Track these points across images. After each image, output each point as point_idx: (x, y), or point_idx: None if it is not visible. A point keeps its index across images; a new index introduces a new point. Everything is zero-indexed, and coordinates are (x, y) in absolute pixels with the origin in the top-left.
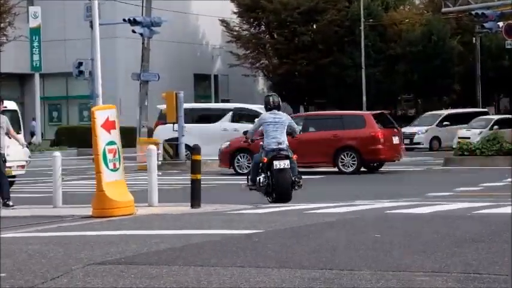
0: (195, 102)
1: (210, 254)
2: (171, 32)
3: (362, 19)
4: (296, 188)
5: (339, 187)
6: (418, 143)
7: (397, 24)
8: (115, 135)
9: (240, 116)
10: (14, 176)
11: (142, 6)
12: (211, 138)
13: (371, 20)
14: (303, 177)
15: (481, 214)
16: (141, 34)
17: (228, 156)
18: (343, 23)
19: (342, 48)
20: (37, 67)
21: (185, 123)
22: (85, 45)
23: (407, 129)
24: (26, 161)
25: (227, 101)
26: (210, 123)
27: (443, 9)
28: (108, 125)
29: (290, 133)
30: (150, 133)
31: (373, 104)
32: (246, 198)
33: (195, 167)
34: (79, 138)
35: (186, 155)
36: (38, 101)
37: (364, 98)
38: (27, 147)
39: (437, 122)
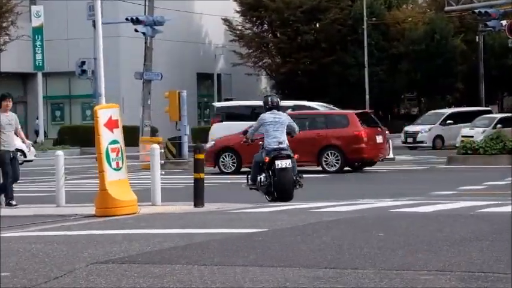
0: (198, 101)
1: (214, 253)
2: (173, 31)
3: (365, 18)
4: (297, 187)
5: (341, 186)
6: (421, 142)
7: (400, 23)
8: (118, 134)
9: None
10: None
11: (145, 6)
12: None
13: (374, 19)
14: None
15: (485, 213)
16: (144, 33)
17: (213, 156)
18: (346, 22)
19: (345, 47)
20: (40, 66)
21: (238, 120)
22: (88, 44)
23: (410, 128)
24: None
25: (230, 100)
26: None
27: (446, 8)
28: (111, 124)
29: (289, 133)
30: (153, 132)
31: (376, 103)
32: (249, 197)
33: (198, 166)
34: (82, 137)
35: None
36: (40, 100)
37: (367, 97)
38: (32, 146)
39: (441, 120)
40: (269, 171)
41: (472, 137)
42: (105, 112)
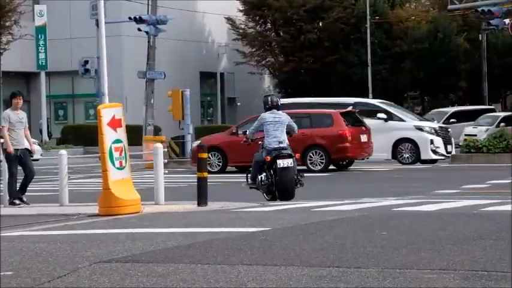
0: (201, 100)
1: (217, 252)
2: (176, 30)
3: (368, 16)
4: (298, 186)
5: (342, 185)
6: None
7: (403, 21)
8: (121, 133)
9: (360, 111)
10: None
11: (148, 5)
12: None
13: (377, 18)
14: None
15: (488, 211)
16: (147, 32)
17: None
18: (349, 21)
19: (348, 45)
20: (43, 65)
21: None
22: (91, 43)
23: None
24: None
25: (233, 99)
26: None
27: (450, 7)
28: (114, 123)
29: (288, 132)
30: (156, 131)
31: None
32: (250, 196)
33: (202, 165)
34: (85, 136)
35: None
36: (44, 99)
37: (370, 96)
38: (38, 145)
39: (444, 119)
40: (270, 171)
41: (476, 135)
42: (108, 111)
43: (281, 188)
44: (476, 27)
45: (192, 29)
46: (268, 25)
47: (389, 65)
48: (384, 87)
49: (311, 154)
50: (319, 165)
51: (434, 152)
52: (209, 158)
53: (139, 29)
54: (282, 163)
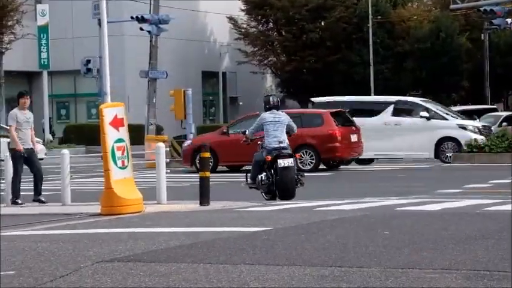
0: (203, 99)
1: (219, 251)
2: (179, 29)
3: (370, 16)
4: (298, 185)
5: (344, 185)
6: None
7: (405, 21)
8: (123, 132)
9: (401, 109)
10: None
11: (150, 4)
12: (371, 133)
13: (379, 17)
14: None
15: (491, 211)
16: (149, 32)
17: (190, 154)
18: (351, 20)
19: (350, 45)
20: (45, 65)
21: None
22: (93, 43)
23: None
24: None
25: (235, 98)
26: (367, 116)
27: (452, 6)
28: (117, 123)
29: (287, 132)
30: (158, 130)
31: None
32: (250, 196)
33: (204, 165)
34: (87, 135)
35: None
36: (46, 98)
37: (372, 95)
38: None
39: None
40: (271, 170)
41: None
42: (110, 111)
43: (282, 187)
44: (478, 26)
45: (194, 29)
46: (270, 24)
47: (391, 65)
48: (386, 86)
49: (301, 154)
50: (309, 164)
51: None
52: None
53: (141, 29)
54: (282, 163)
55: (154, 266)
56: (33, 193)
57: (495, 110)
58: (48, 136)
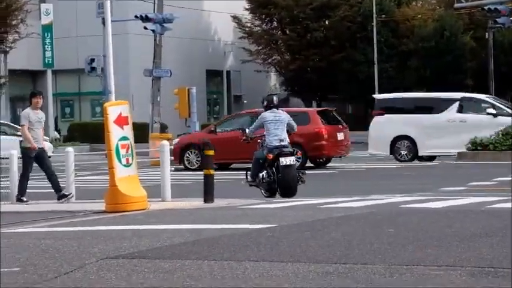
0: (207, 98)
1: (223, 248)
2: (183, 28)
3: (374, 15)
4: (299, 183)
5: (350, 182)
6: None
7: (410, 19)
8: (128, 130)
9: (467, 106)
10: None
11: (155, 3)
12: (432, 130)
13: (383, 16)
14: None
15: (495, 209)
16: (153, 31)
17: (178, 152)
18: (355, 19)
19: (355, 44)
20: (49, 64)
21: (400, 113)
22: (97, 41)
23: None
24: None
25: (239, 97)
26: (431, 113)
27: (456, 5)
28: (121, 121)
29: (287, 130)
30: (162, 129)
31: None
32: (251, 193)
33: (208, 163)
34: (91, 134)
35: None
36: (50, 97)
37: (377, 93)
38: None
39: None
40: (272, 168)
41: None
42: (115, 109)
43: (284, 185)
44: (482, 25)
45: (198, 28)
46: (275, 23)
47: (395, 63)
48: (390, 85)
49: None
50: (296, 162)
51: None
52: (188, 155)
53: (145, 28)
54: (284, 161)
55: (159, 262)
56: (53, 191)
57: None
58: (54, 134)
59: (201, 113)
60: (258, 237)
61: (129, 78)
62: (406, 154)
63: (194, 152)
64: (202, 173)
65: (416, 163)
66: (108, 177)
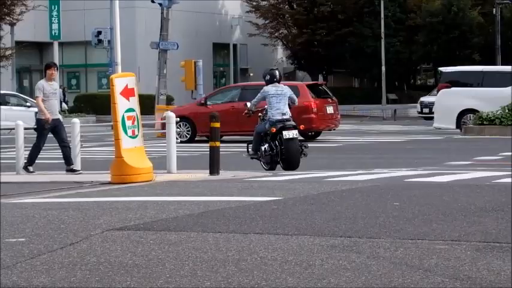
0: (214, 70)
1: (229, 220)
2: (190, 1)
3: None
4: (302, 156)
5: (354, 155)
6: None
7: None
8: (134, 102)
9: None
10: None
11: None
12: (502, 103)
13: None
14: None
15: (501, 183)
16: (160, 4)
17: None
18: None
19: (362, 18)
20: (56, 36)
21: (466, 86)
22: (104, 14)
23: (426, 99)
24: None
25: (246, 70)
26: (498, 86)
27: None
28: (127, 93)
29: (289, 104)
30: (168, 101)
31: (392, 74)
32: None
33: (214, 135)
34: (98, 105)
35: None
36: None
37: (383, 68)
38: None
39: None
40: (275, 142)
41: None
42: (121, 81)
43: (287, 158)
44: (490, 1)
45: (205, 1)
46: None
47: (402, 38)
48: (397, 59)
49: None
50: None
51: None
52: (178, 127)
53: (152, 1)
54: (287, 134)
55: (164, 234)
56: (64, 163)
57: None
58: (63, 106)
59: (208, 85)
60: (263, 210)
61: (135, 51)
62: None
63: (185, 125)
64: (195, 145)
65: (418, 136)
66: (114, 149)
